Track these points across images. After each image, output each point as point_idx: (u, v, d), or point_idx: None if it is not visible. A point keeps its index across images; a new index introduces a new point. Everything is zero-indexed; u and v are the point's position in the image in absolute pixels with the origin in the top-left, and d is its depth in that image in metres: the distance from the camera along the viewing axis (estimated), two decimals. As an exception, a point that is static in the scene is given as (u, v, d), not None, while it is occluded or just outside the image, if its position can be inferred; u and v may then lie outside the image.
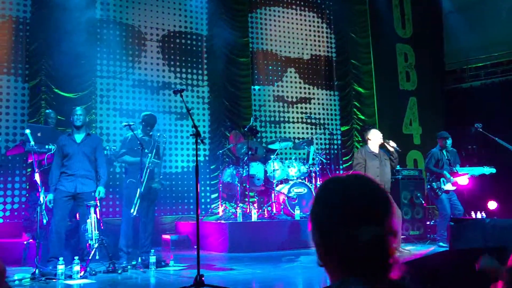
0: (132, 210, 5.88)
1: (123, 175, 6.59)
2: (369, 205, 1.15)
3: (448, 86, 12.77)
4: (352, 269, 1.12)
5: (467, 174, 7.83)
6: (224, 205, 8.64)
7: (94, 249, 5.57)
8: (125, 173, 6.49)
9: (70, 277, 5.21)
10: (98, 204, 5.98)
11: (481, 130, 7.33)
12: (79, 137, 5.96)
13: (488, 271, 1.83)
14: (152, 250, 5.98)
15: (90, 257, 5.50)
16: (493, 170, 7.69)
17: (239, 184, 8.26)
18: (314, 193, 1.25)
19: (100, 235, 5.71)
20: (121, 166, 8.11)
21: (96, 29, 8.75)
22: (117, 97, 8.88)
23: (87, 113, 7.31)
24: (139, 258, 5.88)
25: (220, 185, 8.69)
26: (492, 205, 9.50)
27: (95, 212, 5.78)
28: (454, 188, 7.83)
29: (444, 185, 7.81)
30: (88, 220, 5.70)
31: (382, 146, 7.16)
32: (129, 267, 5.78)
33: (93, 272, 5.44)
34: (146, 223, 6.19)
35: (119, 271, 5.55)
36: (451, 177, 7.79)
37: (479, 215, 8.54)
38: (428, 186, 8.01)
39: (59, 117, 7.55)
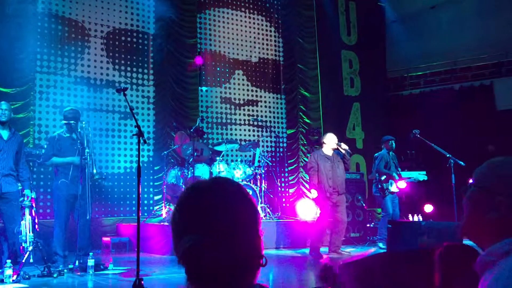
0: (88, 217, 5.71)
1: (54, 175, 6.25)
2: (196, 209, 1.07)
3: (390, 93, 13.24)
4: (193, 282, 1.06)
5: (409, 178, 8.15)
6: (168, 206, 8.51)
7: (28, 252, 5.32)
8: (56, 173, 6.16)
9: (1, 281, 4.94)
10: (34, 206, 5.72)
11: (418, 136, 7.63)
12: (5, 133, 5.68)
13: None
14: (91, 253, 5.77)
15: (23, 260, 5.24)
16: (425, 177, 8.05)
17: (183, 186, 8.16)
18: (249, 196, 1.17)
19: (35, 238, 5.47)
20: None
21: (37, 23, 8.39)
22: (58, 94, 8.54)
23: (25, 109, 6.99)
24: (76, 262, 5.66)
25: (164, 186, 8.55)
26: (428, 208, 9.92)
27: (30, 214, 5.53)
28: (397, 190, 8.11)
29: (391, 186, 8.07)
30: (23, 222, 5.44)
31: (335, 149, 7.35)
32: (65, 270, 5.56)
33: (27, 276, 5.19)
34: (84, 224, 5.94)
35: (55, 275, 5.32)
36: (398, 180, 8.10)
37: (416, 218, 8.90)
38: (379, 186, 8.23)
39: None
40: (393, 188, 8.08)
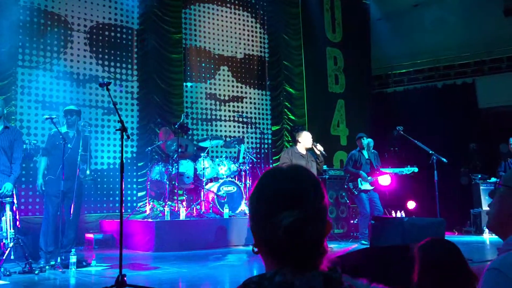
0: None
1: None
2: (291, 189, 1.13)
3: (374, 90, 13.33)
4: (279, 258, 1.11)
5: (390, 173, 8.16)
6: (152, 203, 8.47)
7: (9, 249, 5.25)
8: (45, 169, 6.15)
9: (-19, 278, 4.88)
10: (15, 202, 5.65)
11: (402, 133, 7.68)
12: None
13: None
14: (73, 250, 5.72)
15: (4, 257, 5.17)
16: (415, 169, 8.08)
17: (168, 182, 8.12)
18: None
19: (16, 234, 5.39)
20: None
21: (18, 16, 8.25)
22: (40, 88, 8.42)
23: (6, 104, 6.87)
24: (58, 258, 5.60)
25: (148, 182, 8.50)
26: (411, 204, 10.02)
27: (11, 210, 5.45)
28: (372, 188, 8.11)
29: (362, 185, 8.10)
30: (3, 218, 5.37)
31: (310, 149, 7.34)
32: (47, 267, 5.49)
33: (7, 273, 5.12)
34: (70, 221, 5.90)
35: (36, 272, 5.26)
36: (368, 177, 8.09)
37: (398, 214, 8.97)
38: (345, 186, 8.31)
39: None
40: (365, 186, 8.08)
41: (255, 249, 1.17)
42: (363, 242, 7.96)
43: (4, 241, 5.30)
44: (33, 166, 7.78)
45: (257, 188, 1.18)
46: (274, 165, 11.05)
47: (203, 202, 8.27)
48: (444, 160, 7.04)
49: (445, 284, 1.74)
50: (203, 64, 10.52)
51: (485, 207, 9.46)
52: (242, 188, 8.46)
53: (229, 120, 10.68)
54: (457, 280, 1.75)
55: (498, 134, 10.39)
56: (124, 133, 4.51)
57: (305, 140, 7.26)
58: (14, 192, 5.63)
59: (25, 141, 6.91)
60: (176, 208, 7.92)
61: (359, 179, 8.11)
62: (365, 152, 8.35)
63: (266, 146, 11.15)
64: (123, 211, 4.49)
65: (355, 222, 9.70)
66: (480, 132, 11.24)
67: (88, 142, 6.19)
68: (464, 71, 12.63)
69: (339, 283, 1.09)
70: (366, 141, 8.35)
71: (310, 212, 1.10)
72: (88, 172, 6.04)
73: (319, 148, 7.31)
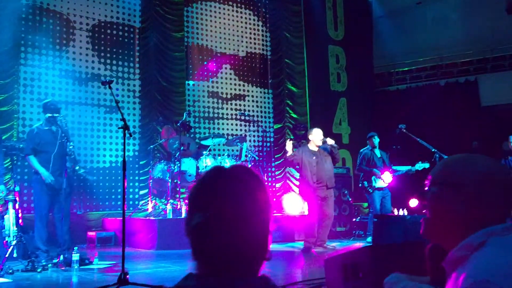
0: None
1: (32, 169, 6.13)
2: (206, 192, 1.10)
3: (376, 88, 13.30)
4: (200, 261, 1.09)
5: (397, 171, 8.19)
6: (154, 201, 8.48)
7: (11, 247, 5.26)
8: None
9: (-16, 276, 4.89)
10: (18, 200, 5.66)
11: (404, 131, 7.67)
12: None
13: None
14: (76, 248, 5.72)
15: (7, 255, 5.19)
16: (426, 165, 8.06)
17: (170, 180, 8.12)
18: (266, 190, 1.19)
19: (19, 232, 5.41)
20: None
21: (21, 15, 8.26)
22: (42, 87, 8.43)
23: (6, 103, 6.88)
24: (61, 256, 5.60)
25: (151, 181, 8.51)
26: (413, 202, 9.99)
27: (14, 208, 5.46)
28: (385, 185, 8.14)
29: (375, 182, 8.11)
30: (6, 216, 5.38)
31: (322, 144, 7.35)
32: (49, 265, 5.49)
33: (10, 271, 5.12)
34: (62, 218, 5.79)
35: (39, 270, 5.26)
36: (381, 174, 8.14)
37: (401, 212, 8.97)
38: (360, 185, 8.29)
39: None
40: (379, 183, 8.12)
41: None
42: (369, 240, 7.97)
43: (7, 239, 5.31)
44: (27, 164, 7.75)
45: (192, 187, 1.16)
46: (276, 163, 11.05)
47: (205, 200, 8.25)
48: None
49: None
50: (205, 63, 10.51)
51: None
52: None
53: (231, 118, 10.68)
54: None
55: (501, 132, 10.35)
56: (126, 131, 4.51)
57: (315, 137, 7.31)
58: (17, 190, 5.63)
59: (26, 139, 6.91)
60: (178, 206, 7.93)
61: (373, 177, 8.13)
62: (377, 151, 8.38)
63: (268, 144, 11.14)
64: (125, 209, 4.50)
65: (357, 220, 9.70)
66: (483, 130, 11.19)
67: (69, 135, 5.99)
68: (467, 69, 12.59)
69: None
70: (378, 139, 8.39)
71: (219, 219, 1.05)
72: (77, 167, 5.94)
73: (330, 142, 7.34)
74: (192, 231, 1.08)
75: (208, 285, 1.04)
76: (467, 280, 1.08)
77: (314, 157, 7.19)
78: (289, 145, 7.30)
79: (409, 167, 8.15)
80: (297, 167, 7.51)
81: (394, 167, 8.29)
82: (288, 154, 7.29)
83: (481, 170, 1.26)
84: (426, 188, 1.34)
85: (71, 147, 5.72)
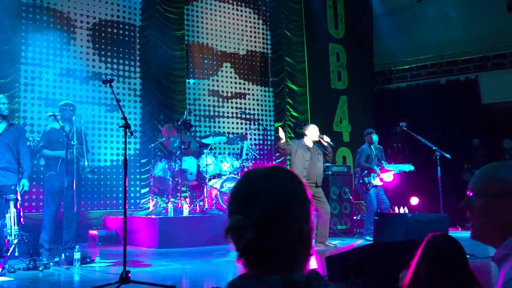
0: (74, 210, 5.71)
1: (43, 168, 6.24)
2: (243, 193, 1.14)
3: (377, 86, 13.30)
4: (247, 259, 1.11)
5: (393, 170, 8.19)
6: (155, 200, 8.49)
7: (13, 245, 5.27)
8: (46, 165, 6.15)
9: (-14, 274, 4.90)
10: (19, 198, 5.67)
11: (405, 129, 7.67)
12: (1, 127, 5.65)
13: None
14: (77, 246, 5.74)
15: (8, 254, 5.19)
16: (411, 168, 8.11)
17: (171, 179, 8.13)
18: (303, 189, 1.21)
19: (20, 231, 5.41)
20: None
21: (21, 13, 8.27)
22: (43, 86, 8.44)
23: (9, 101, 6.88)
24: (62, 255, 5.61)
25: (152, 179, 8.52)
26: (414, 200, 10.02)
27: (15, 207, 5.47)
28: (381, 183, 8.16)
29: (374, 180, 8.12)
30: (8, 215, 5.39)
31: (317, 142, 7.36)
32: (51, 264, 5.51)
33: (12, 270, 5.14)
34: (70, 218, 5.89)
35: (40, 268, 5.28)
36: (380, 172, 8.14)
37: (402, 210, 8.97)
38: (361, 181, 8.27)
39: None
40: (376, 181, 8.12)
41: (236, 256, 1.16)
42: (368, 238, 7.98)
43: (8, 238, 5.32)
44: (36, 163, 7.80)
45: (235, 189, 1.18)
46: (277, 161, 11.05)
47: (206, 198, 8.28)
48: (447, 156, 7.03)
49: (441, 280, 1.72)
50: (206, 61, 10.51)
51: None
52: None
53: (232, 117, 10.68)
54: (455, 278, 1.74)
55: (501, 130, 10.37)
56: (127, 129, 4.52)
57: (311, 133, 7.31)
58: (18, 190, 5.64)
59: (29, 138, 6.92)
60: (179, 204, 7.94)
61: (372, 174, 8.13)
62: (373, 147, 8.39)
63: (268, 142, 11.15)
64: (126, 207, 4.50)
65: (358, 218, 9.70)
66: (483, 128, 11.20)
67: (83, 136, 6.12)
68: (467, 67, 12.58)
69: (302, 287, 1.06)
70: (376, 137, 8.40)
71: (253, 219, 1.08)
72: (86, 164, 6.00)
73: (326, 139, 7.33)
74: (227, 233, 1.11)
75: (264, 283, 1.06)
76: (505, 276, 1.27)
77: (308, 153, 7.21)
78: (281, 132, 7.29)
79: (400, 168, 8.17)
80: (289, 157, 7.50)
81: (387, 166, 8.28)
82: (282, 142, 7.23)
83: None
84: (469, 198, 1.49)
85: (80, 151, 5.81)
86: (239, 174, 8.71)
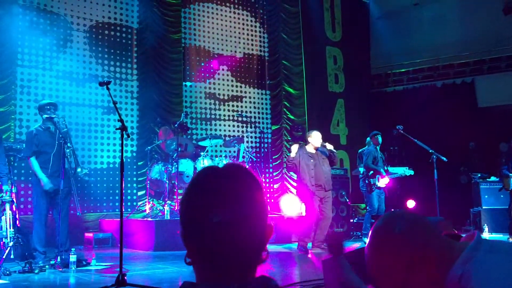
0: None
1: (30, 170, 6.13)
2: (218, 187, 1.06)
3: (374, 89, 13.33)
4: (208, 267, 1.05)
5: (397, 173, 8.23)
6: (151, 202, 8.47)
7: (8, 248, 5.25)
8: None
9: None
10: (15, 201, 5.64)
11: (402, 132, 7.69)
12: None
13: None
14: (73, 249, 5.71)
15: (4, 256, 5.17)
16: (412, 172, 8.14)
17: (167, 181, 8.12)
18: (261, 186, 1.16)
19: (16, 233, 5.39)
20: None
21: (18, 15, 8.25)
22: (39, 88, 8.41)
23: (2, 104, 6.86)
24: (58, 257, 5.59)
25: (148, 182, 8.50)
26: (410, 203, 10.02)
27: (11, 209, 5.45)
28: (384, 185, 8.18)
29: (378, 182, 8.14)
30: (3, 217, 5.36)
31: (321, 147, 7.35)
32: (47, 266, 5.48)
33: (7, 272, 5.11)
34: (61, 219, 5.78)
35: (36, 271, 5.25)
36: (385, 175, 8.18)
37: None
38: (366, 181, 8.28)
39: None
40: (381, 183, 8.15)
41: (188, 260, 1.09)
42: (365, 240, 7.97)
43: (4, 240, 5.29)
44: (24, 165, 7.73)
45: (187, 188, 1.10)
46: (273, 164, 11.05)
47: (202, 201, 8.25)
48: (444, 159, 7.04)
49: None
50: (202, 64, 10.51)
51: (485, 206, 9.48)
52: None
53: (229, 120, 10.67)
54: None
55: (498, 133, 10.40)
56: (124, 132, 4.50)
57: (315, 140, 7.30)
58: (13, 191, 5.61)
59: (24, 140, 6.90)
60: (176, 207, 7.92)
61: (377, 176, 8.15)
62: (379, 149, 8.42)
63: (265, 145, 11.15)
64: (123, 210, 4.49)
65: (355, 221, 9.70)
66: (480, 131, 11.23)
67: (69, 136, 6.00)
68: (464, 70, 12.62)
69: None
70: (381, 139, 8.44)
71: (237, 214, 1.02)
72: (79, 169, 5.93)
73: (329, 147, 7.36)
74: (190, 233, 1.04)
75: None
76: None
77: (312, 160, 7.19)
78: (294, 150, 7.31)
79: (401, 172, 8.20)
80: (294, 172, 7.54)
81: (390, 169, 8.32)
82: (290, 157, 7.28)
83: None
84: None
85: (68, 149, 5.71)
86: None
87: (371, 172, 8.23)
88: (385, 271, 1.31)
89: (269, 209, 1.12)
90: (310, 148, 7.31)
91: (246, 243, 1.04)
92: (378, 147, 8.44)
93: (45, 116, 5.85)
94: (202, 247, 1.04)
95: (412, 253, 1.28)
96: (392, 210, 1.60)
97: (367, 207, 8.47)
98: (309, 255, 6.87)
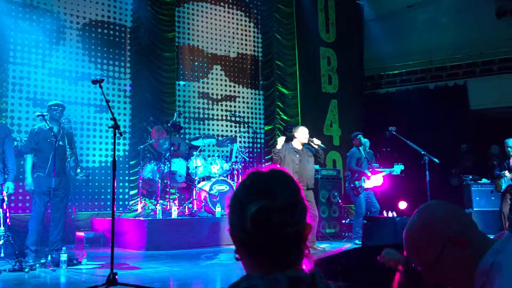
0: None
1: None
2: (261, 186, 1.12)
3: (367, 90, 13.37)
4: (255, 259, 1.09)
5: (384, 171, 8.22)
6: (143, 201, 8.44)
7: (-2, 246, 5.21)
8: (33, 167, 6.06)
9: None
10: (6, 199, 5.60)
11: (394, 133, 7.71)
12: None
13: (389, 263, 1.91)
14: (64, 248, 5.68)
15: (-6, 255, 5.13)
16: (401, 167, 8.14)
17: (160, 181, 8.09)
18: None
19: (6, 231, 5.35)
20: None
21: (10, 12, 8.19)
22: (31, 85, 8.36)
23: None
24: (49, 256, 5.55)
25: (140, 181, 8.47)
26: (402, 205, 10.05)
27: (2, 207, 5.40)
28: (371, 186, 8.18)
29: (364, 183, 8.14)
30: (-7, 216, 5.32)
31: (307, 144, 7.30)
32: (37, 265, 5.44)
33: (-3, 271, 5.08)
34: (57, 219, 5.82)
35: (26, 270, 5.21)
36: (371, 175, 8.16)
37: (390, 214, 9.00)
38: (352, 185, 8.26)
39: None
40: (367, 184, 8.15)
41: (236, 256, 1.14)
42: (356, 242, 7.99)
43: (-6, 239, 5.25)
44: (23, 163, 7.70)
45: (236, 190, 1.18)
46: (266, 164, 11.05)
47: (195, 200, 8.25)
48: (436, 160, 7.07)
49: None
50: (196, 63, 10.49)
51: (476, 208, 9.53)
52: (234, 187, 8.45)
53: (222, 119, 10.66)
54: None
55: (489, 135, 10.47)
56: (116, 130, 4.48)
57: (301, 135, 7.19)
58: (4, 191, 5.57)
59: (16, 138, 6.86)
60: (168, 206, 7.90)
61: (363, 178, 8.13)
62: (362, 150, 8.39)
63: (258, 145, 11.15)
64: (114, 209, 4.46)
65: (347, 222, 9.72)
66: (471, 133, 11.31)
67: (73, 138, 6.09)
68: (456, 73, 12.71)
69: (309, 285, 1.05)
70: (365, 140, 8.42)
71: (278, 203, 1.07)
72: (78, 170, 5.96)
73: (316, 142, 7.25)
74: (253, 216, 1.07)
75: (269, 281, 1.05)
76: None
77: (297, 155, 7.12)
78: (281, 140, 7.23)
79: (391, 169, 8.21)
80: (279, 165, 7.48)
81: (378, 168, 8.31)
82: (276, 149, 7.19)
83: None
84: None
85: (70, 151, 5.74)
86: (229, 177, 8.70)
87: (356, 174, 8.23)
88: (421, 247, 1.47)
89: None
90: (296, 144, 7.22)
91: (285, 233, 1.08)
92: (361, 148, 8.41)
93: (48, 115, 5.85)
94: (249, 241, 1.09)
95: (449, 236, 1.42)
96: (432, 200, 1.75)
97: (355, 210, 8.43)
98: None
